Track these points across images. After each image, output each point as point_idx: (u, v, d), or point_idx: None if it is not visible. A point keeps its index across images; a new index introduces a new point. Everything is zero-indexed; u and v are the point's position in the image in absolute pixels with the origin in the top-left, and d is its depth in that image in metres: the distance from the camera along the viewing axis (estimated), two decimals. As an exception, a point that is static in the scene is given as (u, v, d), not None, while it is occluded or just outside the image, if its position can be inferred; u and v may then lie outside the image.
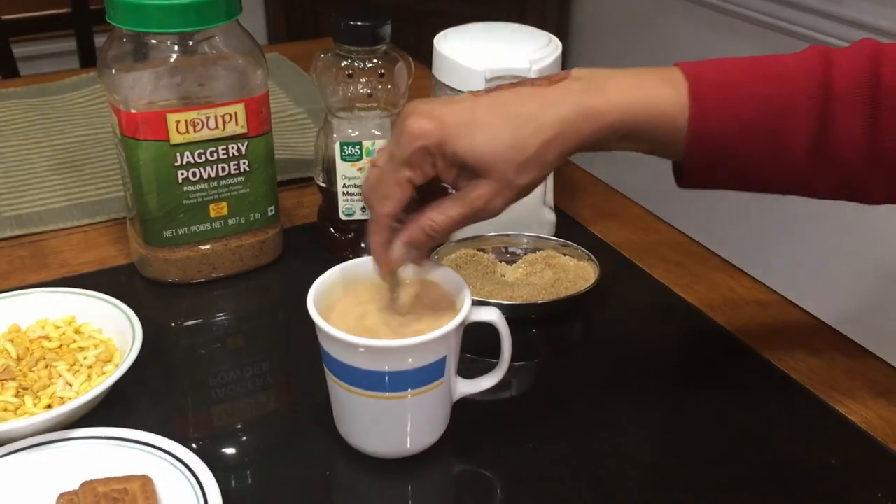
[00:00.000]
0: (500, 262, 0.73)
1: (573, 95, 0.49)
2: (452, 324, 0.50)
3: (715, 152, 0.50)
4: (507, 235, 0.74)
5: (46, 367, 0.58)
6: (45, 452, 0.51)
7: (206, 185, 0.68)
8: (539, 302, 0.67)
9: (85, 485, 0.48)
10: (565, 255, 0.73)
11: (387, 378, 0.49)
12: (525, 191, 0.50)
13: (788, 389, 0.61)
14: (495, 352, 0.54)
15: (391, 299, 0.54)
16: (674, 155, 0.52)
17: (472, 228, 0.73)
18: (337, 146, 0.70)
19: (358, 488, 0.51)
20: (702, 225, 0.80)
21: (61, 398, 0.55)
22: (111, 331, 0.61)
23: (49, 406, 0.55)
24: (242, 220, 0.71)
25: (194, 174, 0.67)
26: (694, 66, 0.50)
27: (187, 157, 0.66)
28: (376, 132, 0.71)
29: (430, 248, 0.52)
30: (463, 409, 0.55)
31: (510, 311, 0.66)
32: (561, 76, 0.50)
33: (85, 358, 0.59)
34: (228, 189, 0.69)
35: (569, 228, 0.79)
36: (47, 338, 0.60)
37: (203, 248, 0.70)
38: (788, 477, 0.54)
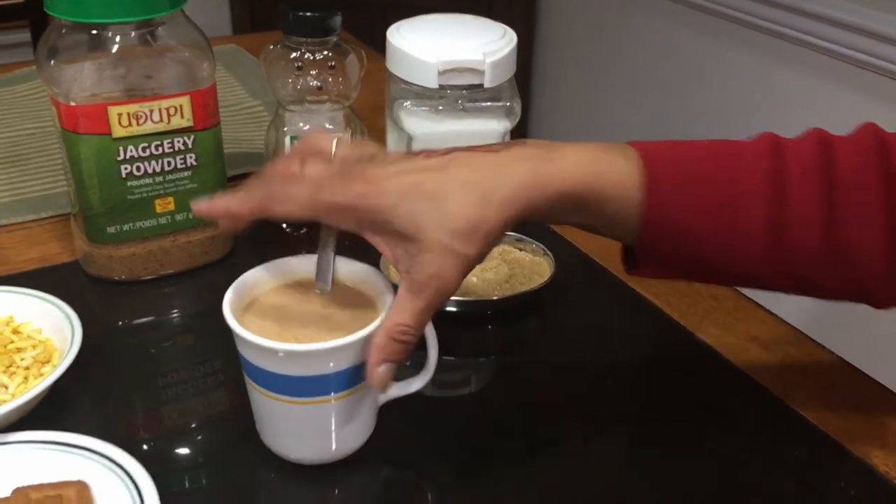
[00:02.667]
0: (456, 257, 0.72)
1: (526, 163, 0.46)
2: (373, 325, 0.48)
3: (668, 233, 0.48)
4: (462, 230, 0.73)
5: None
6: None
7: (151, 180, 0.66)
8: (494, 298, 0.66)
9: (17, 491, 0.47)
10: (521, 249, 0.72)
11: (307, 382, 0.48)
12: (477, 261, 0.46)
13: (742, 384, 0.60)
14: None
15: (312, 301, 0.52)
16: (624, 233, 0.50)
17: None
18: (287, 140, 0.69)
19: (283, 495, 0.49)
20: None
21: None
22: (50, 330, 0.59)
23: None
24: (190, 216, 0.69)
25: (138, 169, 0.65)
26: (648, 144, 0.49)
27: (131, 152, 0.64)
28: (328, 125, 0.70)
29: (407, 356, 0.48)
30: (394, 406, 0.54)
31: (464, 307, 0.66)
32: (516, 143, 0.49)
33: (22, 359, 0.57)
34: (175, 184, 0.67)
35: (525, 224, 0.78)
36: None
37: (149, 244, 0.68)
38: (742, 475, 0.53)
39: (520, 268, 0.70)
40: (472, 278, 0.70)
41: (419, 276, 0.45)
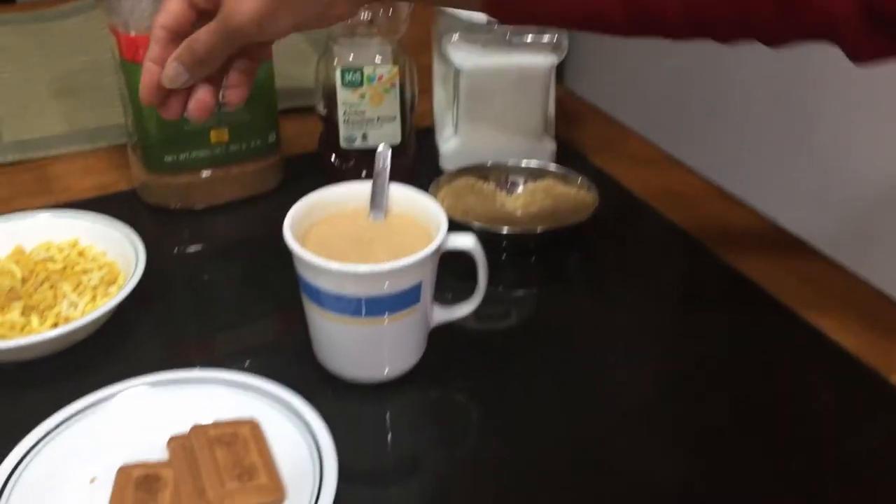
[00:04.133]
0: (501, 191, 0.74)
1: None
2: (428, 249, 0.50)
3: None
4: (508, 165, 0.74)
5: (51, 287, 0.58)
6: (153, 394, 0.51)
7: (206, 111, 0.68)
8: (538, 231, 0.68)
9: (196, 429, 0.48)
10: (565, 184, 0.73)
11: (363, 303, 0.50)
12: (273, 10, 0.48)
13: (780, 316, 0.61)
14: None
15: (367, 227, 0.54)
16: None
17: (472, 157, 0.74)
18: (337, 73, 0.70)
19: (338, 412, 0.51)
20: (702, 157, 0.80)
21: (66, 318, 0.56)
22: (114, 253, 0.62)
23: (55, 325, 0.56)
24: (243, 147, 0.71)
25: (194, 99, 0.67)
26: None
27: (187, 82, 0.66)
28: (377, 58, 0.71)
29: (199, 71, 0.51)
30: (445, 333, 0.56)
31: (510, 239, 0.67)
32: None
33: (89, 279, 0.59)
34: (230, 115, 0.68)
35: (569, 158, 0.79)
36: (51, 259, 0.61)
37: (204, 174, 0.70)
38: (777, 401, 0.55)
39: (564, 202, 0.71)
40: (517, 211, 0.71)
41: (225, 9, 0.49)
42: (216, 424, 0.49)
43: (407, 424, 0.54)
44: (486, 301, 0.56)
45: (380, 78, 0.70)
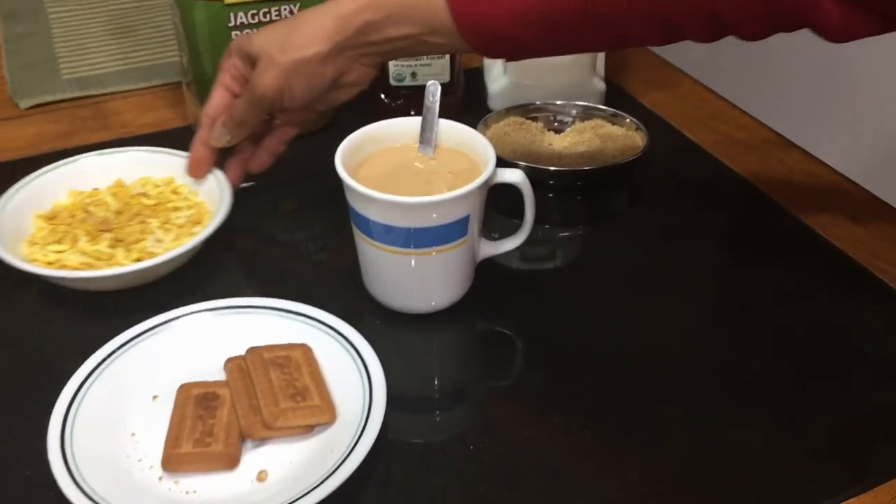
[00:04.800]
0: (548, 130, 0.74)
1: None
2: (476, 182, 0.50)
3: (492, 39, 0.53)
4: (556, 104, 0.74)
5: (141, 222, 0.60)
6: (212, 319, 0.53)
7: (259, 47, 0.69)
8: (585, 169, 0.68)
9: (252, 351, 0.50)
10: (614, 124, 0.73)
11: (412, 234, 0.51)
12: (293, 68, 0.55)
13: (832, 258, 0.61)
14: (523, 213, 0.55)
15: (417, 161, 0.55)
16: (457, 45, 0.54)
17: (520, 96, 0.74)
18: (388, 10, 0.70)
19: (386, 341, 0.52)
20: (753, 98, 0.79)
21: (151, 253, 0.58)
22: (205, 194, 0.63)
23: (138, 259, 0.57)
24: (295, 84, 0.71)
25: (248, 35, 0.68)
26: None
27: (241, 18, 0.67)
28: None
29: (238, 132, 0.60)
30: (491, 268, 0.57)
31: (555, 178, 0.67)
32: None
33: (177, 217, 0.61)
34: (281, 52, 0.69)
35: (619, 99, 0.78)
36: (146, 195, 0.62)
37: (257, 110, 0.72)
38: (831, 345, 0.55)
39: (612, 141, 0.71)
40: (565, 151, 0.71)
41: (252, 80, 0.57)
42: (270, 347, 0.51)
43: (452, 354, 0.55)
44: (531, 239, 0.57)
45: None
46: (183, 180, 0.64)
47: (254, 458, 0.46)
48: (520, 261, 0.60)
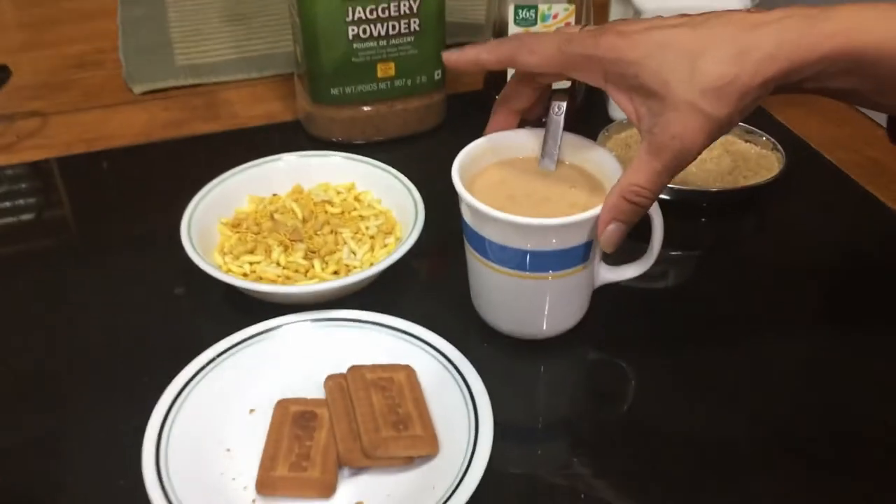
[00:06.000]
0: (674, 144, 0.69)
1: (793, 20, 0.41)
2: (599, 208, 0.46)
3: None
4: (685, 116, 0.69)
5: (332, 232, 0.57)
6: (313, 331, 0.51)
7: (375, 44, 0.66)
8: (712, 190, 0.63)
9: (353, 370, 0.48)
10: (747, 141, 0.67)
11: (528, 257, 0.47)
12: (726, 125, 0.43)
13: None
14: (648, 236, 0.51)
15: (537, 178, 0.51)
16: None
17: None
18: (511, 9, 0.67)
19: (491, 365, 0.49)
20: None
21: (347, 266, 0.55)
22: (390, 202, 0.60)
23: (336, 272, 0.55)
24: (409, 83, 0.69)
25: (364, 31, 0.65)
26: None
27: (359, 13, 0.64)
28: (553, -4, 0.67)
29: (638, 219, 0.46)
30: (607, 293, 0.53)
31: (679, 196, 0.63)
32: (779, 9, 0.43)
33: (367, 228, 0.58)
34: (397, 49, 0.67)
35: (752, 114, 0.72)
36: (330, 202, 0.60)
37: (367, 108, 0.69)
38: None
39: (744, 161, 0.66)
40: (691, 167, 0.66)
41: (660, 135, 0.43)
42: (373, 367, 0.49)
43: (562, 383, 0.52)
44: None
45: (555, 16, 0.67)
46: (364, 186, 0.62)
47: (350, 487, 0.44)
48: (638, 282, 0.56)
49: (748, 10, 0.43)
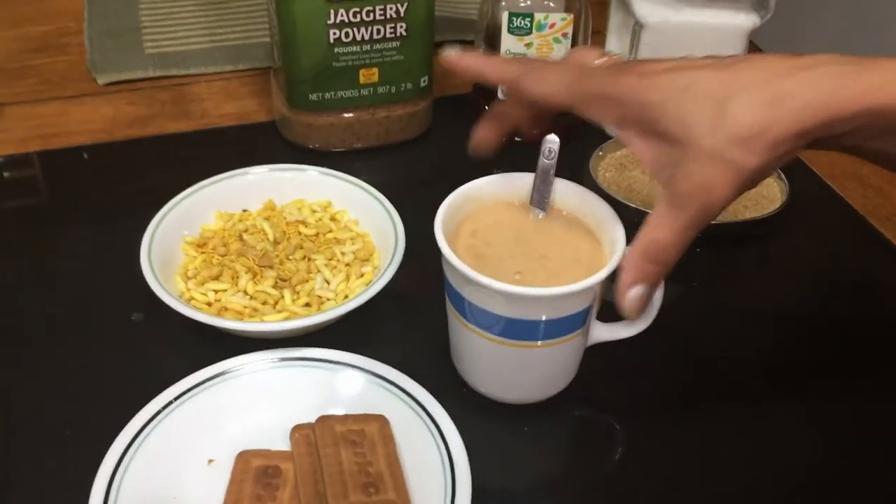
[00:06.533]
0: (671, 166, 0.65)
1: (833, 67, 0.37)
2: (601, 273, 0.42)
3: None
4: (685, 138, 0.65)
5: (304, 258, 0.53)
6: (279, 372, 0.47)
7: (357, 48, 0.61)
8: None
9: (322, 421, 0.44)
10: (748, 167, 0.64)
11: (513, 324, 0.43)
12: (757, 177, 0.38)
13: None
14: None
15: (527, 228, 0.47)
16: None
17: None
18: (505, 16, 0.62)
19: (467, 419, 0.45)
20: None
21: (319, 297, 0.51)
22: (368, 224, 0.56)
23: (307, 304, 0.51)
24: (392, 90, 0.64)
25: (347, 35, 0.61)
26: None
27: (342, 16, 0.59)
28: (550, 3, 0.62)
29: (661, 279, 0.42)
30: (598, 349, 0.48)
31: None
32: (815, 55, 0.39)
33: (343, 254, 0.54)
34: (381, 54, 0.62)
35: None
36: (304, 223, 0.56)
37: (347, 115, 0.65)
38: None
39: (745, 188, 0.62)
40: (688, 193, 0.63)
41: (683, 187, 0.39)
42: (343, 418, 0.45)
43: (546, 444, 0.48)
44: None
45: (551, 26, 0.62)
46: (341, 205, 0.57)
47: (315, 558, 0.40)
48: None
49: (780, 55, 0.39)
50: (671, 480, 0.45)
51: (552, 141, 0.46)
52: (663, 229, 0.40)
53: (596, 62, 0.43)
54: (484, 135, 0.48)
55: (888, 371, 0.52)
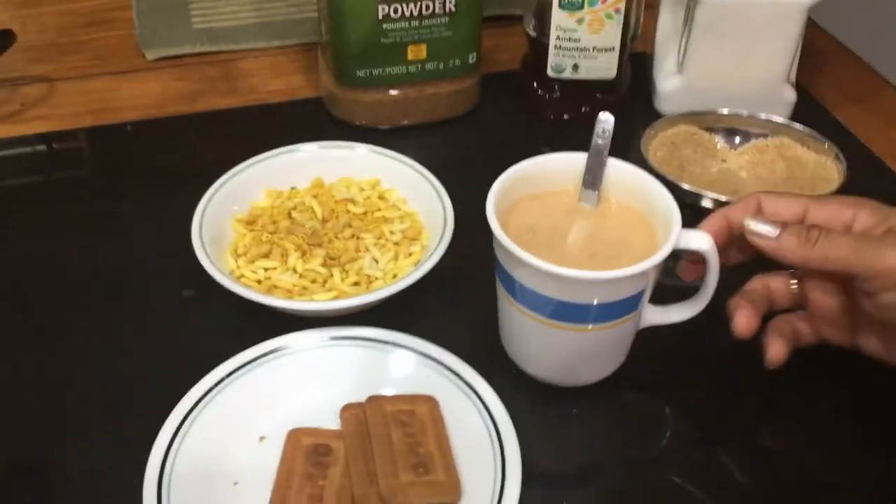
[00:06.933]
0: (724, 144, 0.64)
1: None
2: (653, 259, 0.41)
3: None
4: (742, 115, 0.63)
5: (353, 237, 0.53)
6: (329, 350, 0.47)
7: (406, 24, 0.61)
8: (766, 201, 0.58)
9: (372, 401, 0.45)
10: (805, 146, 0.62)
11: (565, 307, 0.42)
12: None
13: None
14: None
15: (579, 213, 0.46)
16: None
17: (695, 100, 0.64)
18: (554, -13, 0.61)
19: (515, 400, 0.44)
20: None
21: (368, 276, 0.51)
22: (416, 203, 0.56)
23: (356, 283, 0.51)
24: (440, 66, 0.64)
25: (396, 10, 0.60)
26: None
27: (391, -8, 0.59)
28: (603, -23, 0.61)
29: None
30: (650, 334, 0.47)
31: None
32: None
33: (392, 233, 0.54)
34: (430, 30, 0.62)
35: (808, 111, 0.67)
36: (352, 201, 0.55)
37: (394, 92, 0.64)
38: None
39: (801, 169, 0.61)
40: (741, 172, 0.61)
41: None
42: (393, 399, 0.45)
43: (595, 426, 0.47)
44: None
45: (603, 1, 0.61)
46: (389, 184, 0.57)
47: (365, 536, 0.41)
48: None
49: None
50: (720, 467, 0.44)
51: (606, 120, 0.45)
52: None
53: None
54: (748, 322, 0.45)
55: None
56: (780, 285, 0.46)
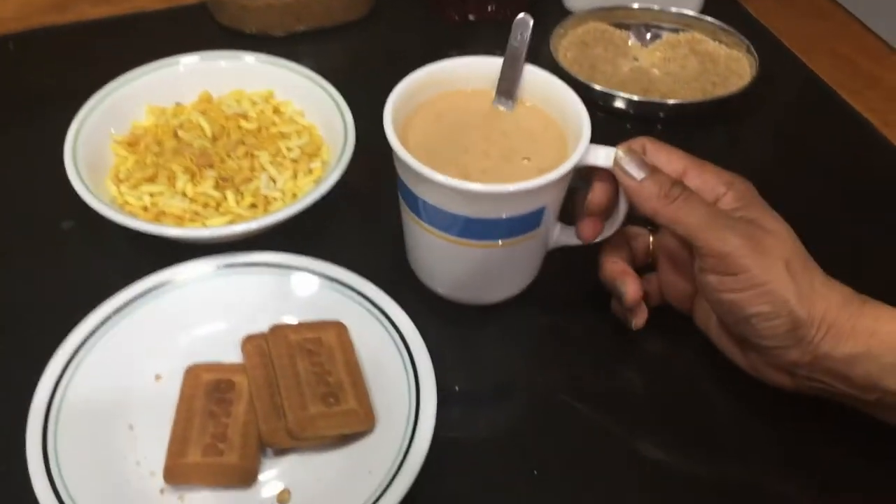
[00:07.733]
0: (636, 41, 0.61)
1: None
2: (559, 170, 0.38)
3: None
4: (654, 9, 0.61)
5: (247, 155, 0.49)
6: (226, 278, 0.44)
7: (292, -83, 0.56)
8: (669, 102, 0.56)
9: (275, 330, 0.42)
10: (716, 40, 0.60)
11: (473, 224, 0.40)
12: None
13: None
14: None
15: (488, 118, 0.43)
16: None
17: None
18: None
19: (427, 322, 0.42)
20: (886, 12, 0.65)
21: (265, 197, 0.47)
22: (315, 116, 0.51)
23: (253, 206, 0.47)
24: (335, -36, 0.59)
25: None
26: None
27: None
28: None
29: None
30: (561, 253, 0.46)
31: (636, 108, 0.56)
32: None
33: (289, 149, 0.50)
34: (319, -76, 0.57)
35: (719, 3, 0.65)
36: (244, 116, 0.51)
37: (287, -5, 0.59)
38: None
39: (713, 64, 0.59)
40: (654, 69, 0.59)
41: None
42: (298, 327, 0.42)
43: (509, 346, 0.45)
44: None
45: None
46: (284, 96, 0.52)
47: (274, 473, 0.39)
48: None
49: None
50: (631, 380, 0.44)
51: (524, 23, 0.42)
52: (695, 217, 0.38)
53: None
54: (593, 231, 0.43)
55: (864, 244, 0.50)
56: (639, 242, 0.45)
